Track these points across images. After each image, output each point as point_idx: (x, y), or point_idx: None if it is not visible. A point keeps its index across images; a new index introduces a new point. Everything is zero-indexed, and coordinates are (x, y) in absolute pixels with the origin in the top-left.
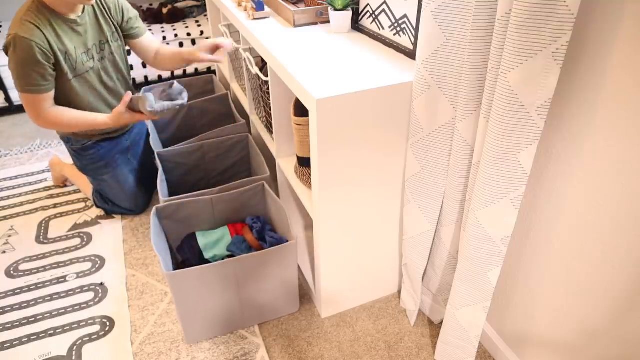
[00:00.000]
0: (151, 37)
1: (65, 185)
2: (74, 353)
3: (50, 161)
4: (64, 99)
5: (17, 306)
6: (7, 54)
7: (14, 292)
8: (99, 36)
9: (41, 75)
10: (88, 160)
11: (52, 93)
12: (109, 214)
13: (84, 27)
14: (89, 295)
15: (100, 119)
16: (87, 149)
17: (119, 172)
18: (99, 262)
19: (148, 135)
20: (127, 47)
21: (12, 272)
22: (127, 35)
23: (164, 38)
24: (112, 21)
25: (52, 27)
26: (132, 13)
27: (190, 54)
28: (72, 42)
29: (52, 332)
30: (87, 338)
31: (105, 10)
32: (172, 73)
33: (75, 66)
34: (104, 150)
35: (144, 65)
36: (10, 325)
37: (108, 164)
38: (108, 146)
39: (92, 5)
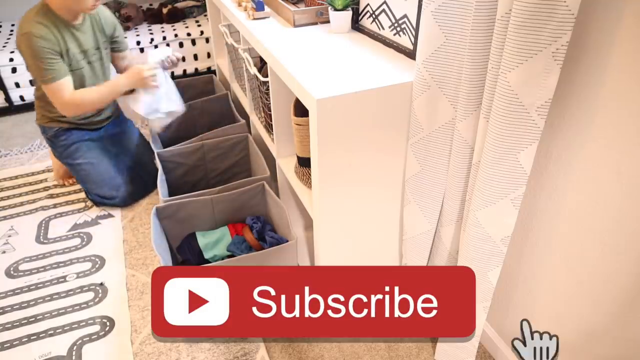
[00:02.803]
0: (128, 54)
1: (65, 185)
2: (74, 353)
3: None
4: None
5: (17, 306)
6: (20, 50)
7: (14, 292)
8: (93, 42)
9: (55, 64)
10: (61, 146)
11: (70, 77)
12: (98, 206)
13: (82, 33)
14: (89, 295)
15: (120, 81)
16: (58, 136)
17: (91, 155)
18: (99, 262)
19: (134, 126)
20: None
21: (12, 272)
22: (112, 49)
23: (164, 38)
24: (104, 33)
25: (57, 29)
26: (121, 31)
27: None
28: (72, 43)
29: (52, 332)
30: (87, 338)
31: (101, 22)
32: (173, 73)
33: (71, 63)
34: (74, 136)
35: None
36: (10, 325)
37: (79, 148)
38: (78, 133)
39: (90, 17)
